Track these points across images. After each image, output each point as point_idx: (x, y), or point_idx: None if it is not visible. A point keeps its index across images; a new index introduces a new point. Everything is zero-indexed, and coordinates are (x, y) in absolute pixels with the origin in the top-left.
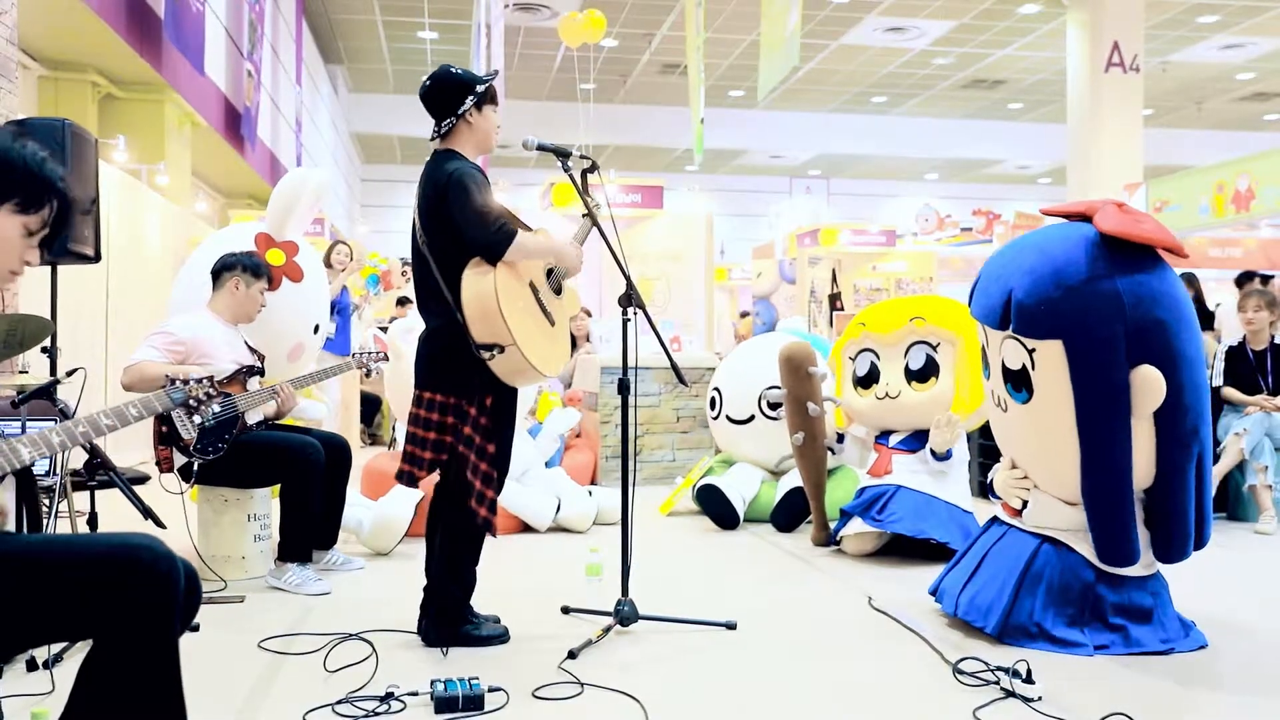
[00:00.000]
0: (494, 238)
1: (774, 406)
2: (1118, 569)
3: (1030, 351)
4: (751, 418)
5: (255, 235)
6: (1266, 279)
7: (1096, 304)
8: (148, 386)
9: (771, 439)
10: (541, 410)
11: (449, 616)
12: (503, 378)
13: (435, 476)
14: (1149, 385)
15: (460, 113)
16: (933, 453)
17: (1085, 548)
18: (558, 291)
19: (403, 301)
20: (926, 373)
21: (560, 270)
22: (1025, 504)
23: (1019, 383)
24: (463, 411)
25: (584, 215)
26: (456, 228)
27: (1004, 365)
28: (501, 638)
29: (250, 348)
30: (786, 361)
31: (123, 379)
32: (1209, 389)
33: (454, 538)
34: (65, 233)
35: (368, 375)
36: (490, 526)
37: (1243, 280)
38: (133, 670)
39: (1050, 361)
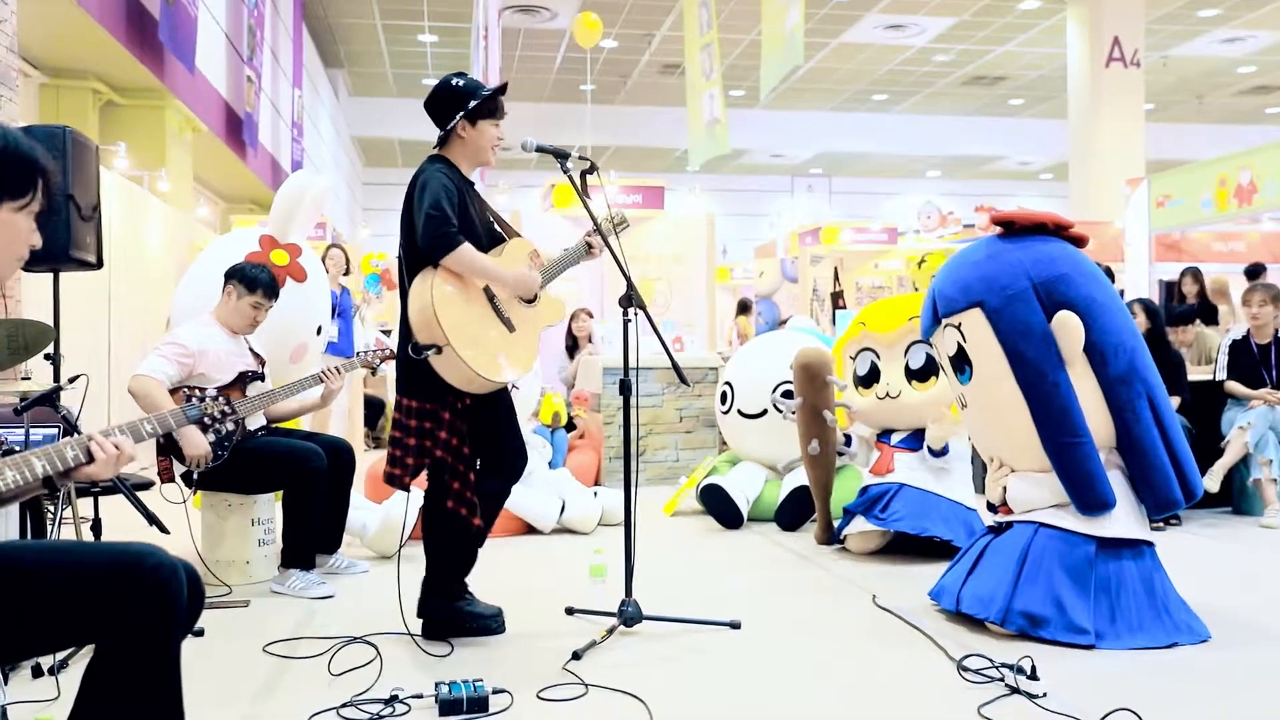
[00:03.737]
0: (434, 240)
1: (788, 395)
2: (1101, 520)
3: (959, 327)
4: (764, 412)
5: (260, 237)
6: None
7: (1000, 267)
8: (147, 405)
9: (781, 436)
10: (544, 411)
11: (444, 594)
12: (450, 383)
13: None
14: (1067, 328)
15: (450, 127)
16: (930, 450)
17: (1075, 522)
18: (530, 300)
19: None
20: (926, 372)
21: (503, 301)
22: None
23: (960, 365)
24: (437, 416)
25: (585, 238)
26: (413, 226)
27: (949, 359)
28: (495, 618)
29: (253, 350)
30: (804, 370)
31: (130, 385)
32: (1137, 331)
33: (440, 539)
34: (48, 206)
35: (373, 374)
36: (469, 525)
37: (1253, 272)
38: (134, 676)
39: (976, 329)
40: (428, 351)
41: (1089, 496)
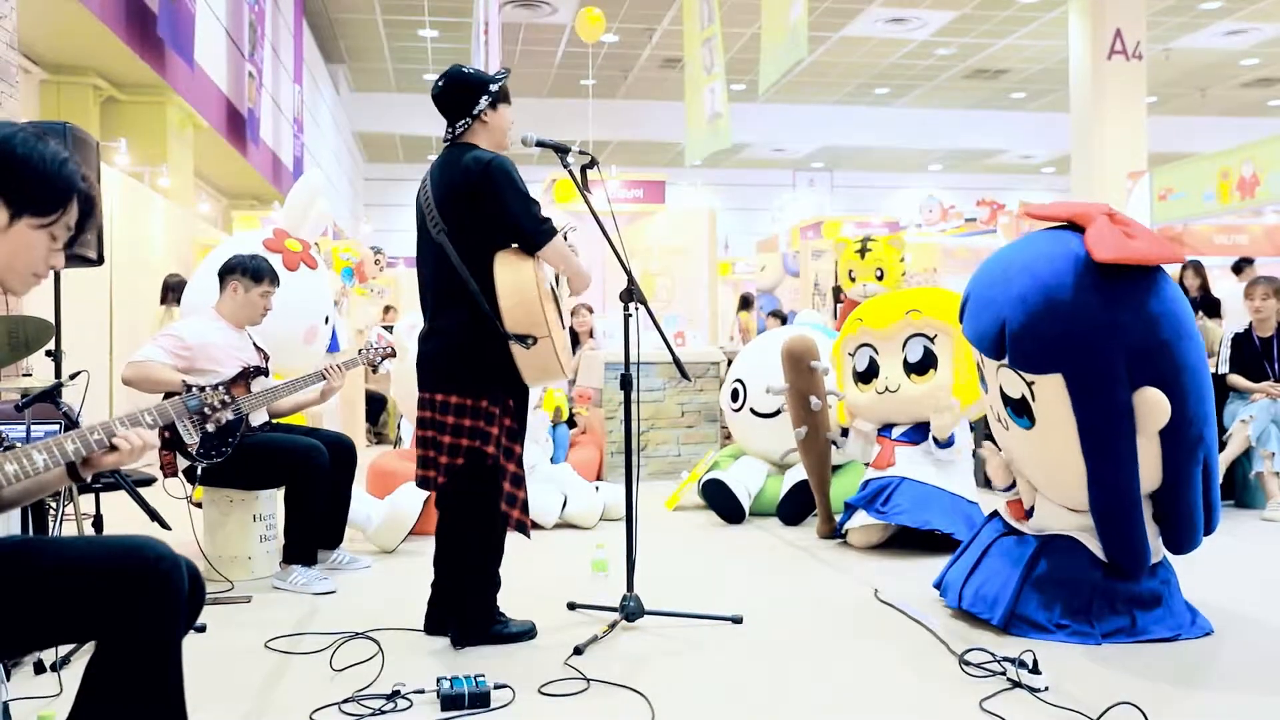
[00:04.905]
0: (542, 227)
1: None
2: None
3: (1029, 384)
4: (778, 411)
5: (274, 229)
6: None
7: (1095, 336)
8: (151, 388)
9: (790, 432)
10: (546, 406)
11: (479, 618)
12: (526, 374)
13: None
14: (1153, 407)
15: (475, 113)
16: (936, 441)
17: (1093, 544)
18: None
19: (388, 308)
20: (925, 364)
21: (563, 288)
22: (1031, 510)
23: (1020, 409)
24: (487, 414)
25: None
26: (499, 212)
27: (1003, 391)
28: (530, 633)
29: (257, 347)
30: (788, 356)
31: (125, 373)
32: (1212, 384)
33: (482, 542)
34: (88, 232)
35: (374, 371)
36: (524, 528)
37: (1240, 266)
38: (135, 671)
39: (1051, 393)
40: (526, 342)
41: (1128, 563)
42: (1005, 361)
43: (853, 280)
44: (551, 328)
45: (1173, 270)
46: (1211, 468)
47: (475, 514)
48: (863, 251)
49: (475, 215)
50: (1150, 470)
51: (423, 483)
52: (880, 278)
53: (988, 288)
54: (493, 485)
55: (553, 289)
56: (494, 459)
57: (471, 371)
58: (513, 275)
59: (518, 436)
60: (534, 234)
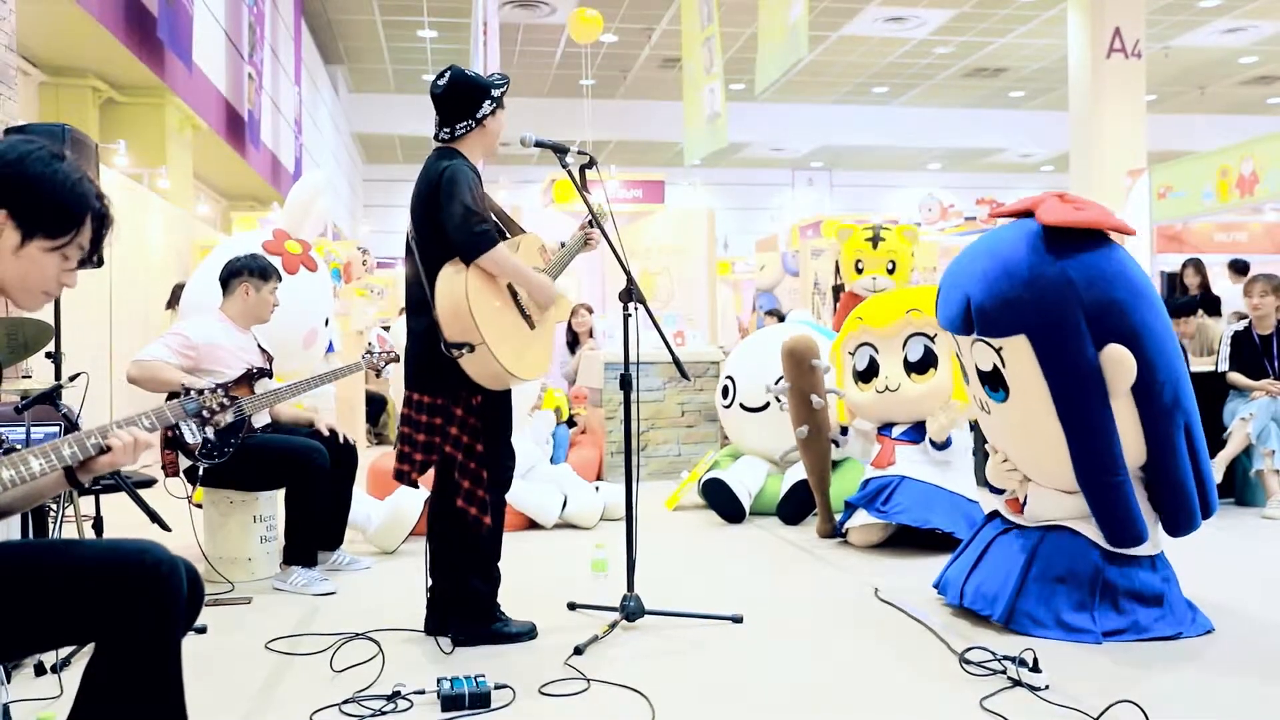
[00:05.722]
0: (472, 238)
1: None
2: (1127, 550)
3: (998, 350)
4: (765, 405)
5: (274, 230)
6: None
7: (1051, 293)
8: (155, 387)
9: (783, 430)
10: (547, 405)
11: (478, 617)
12: (476, 379)
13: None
14: (1118, 363)
15: (480, 117)
16: (932, 442)
17: (1090, 531)
18: None
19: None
20: (925, 364)
21: (525, 298)
22: (1026, 500)
23: (994, 383)
24: (449, 412)
25: (580, 231)
26: (440, 222)
27: (977, 368)
28: (530, 633)
29: (261, 348)
30: (789, 355)
31: (130, 371)
32: (1182, 356)
33: (451, 538)
34: (102, 249)
35: (378, 375)
36: (479, 524)
37: (1237, 267)
38: (134, 673)
39: (1019, 357)
40: (461, 350)
41: (1123, 534)
42: (974, 336)
43: (859, 271)
44: (487, 335)
45: (1174, 268)
46: (1196, 439)
47: (444, 511)
48: (875, 241)
49: (432, 223)
50: (1133, 441)
51: (399, 475)
52: (891, 270)
53: (954, 275)
54: (450, 482)
55: (514, 295)
56: (451, 456)
57: (437, 372)
58: (447, 285)
59: (480, 434)
60: (459, 245)
